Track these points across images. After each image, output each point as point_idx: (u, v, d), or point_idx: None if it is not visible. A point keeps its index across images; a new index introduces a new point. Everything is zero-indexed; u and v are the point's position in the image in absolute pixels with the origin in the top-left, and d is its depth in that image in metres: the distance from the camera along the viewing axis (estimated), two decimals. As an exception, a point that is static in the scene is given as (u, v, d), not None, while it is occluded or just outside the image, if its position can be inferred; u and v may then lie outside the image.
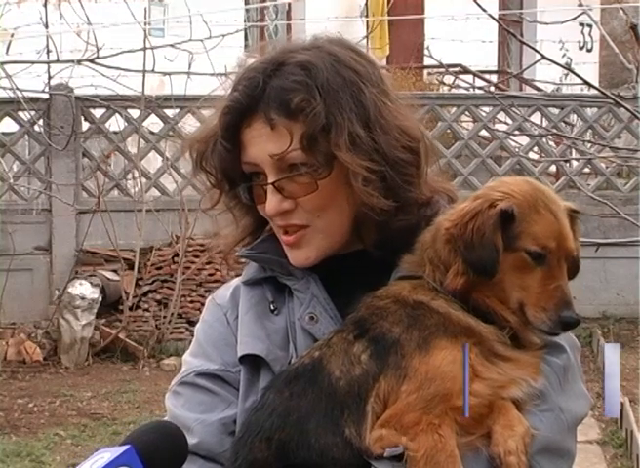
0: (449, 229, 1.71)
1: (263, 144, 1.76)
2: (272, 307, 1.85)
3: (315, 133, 1.73)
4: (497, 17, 9.78)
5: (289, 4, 14.34)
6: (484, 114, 11.17)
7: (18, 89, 9.96)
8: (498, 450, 1.62)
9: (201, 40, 9.37)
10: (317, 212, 1.78)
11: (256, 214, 1.87)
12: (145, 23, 10.56)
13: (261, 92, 1.76)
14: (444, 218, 1.73)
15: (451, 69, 6.42)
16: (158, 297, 10.24)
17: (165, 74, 10.18)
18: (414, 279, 1.74)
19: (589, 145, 8.33)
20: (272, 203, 1.78)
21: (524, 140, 11.06)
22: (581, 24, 16.03)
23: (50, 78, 10.58)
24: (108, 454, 1.57)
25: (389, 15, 13.67)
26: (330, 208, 1.78)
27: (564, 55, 14.57)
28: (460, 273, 1.69)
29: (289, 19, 14.80)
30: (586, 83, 4.44)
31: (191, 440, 1.73)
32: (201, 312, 1.98)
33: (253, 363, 1.81)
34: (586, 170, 11.71)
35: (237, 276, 1.96)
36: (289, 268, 1.84)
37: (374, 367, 1.66)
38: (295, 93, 1.73)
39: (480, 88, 10.18)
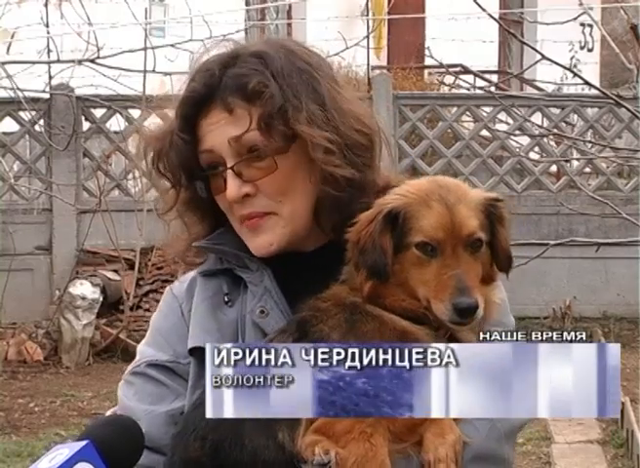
0: (350, 238, 1.74)
1: (222, 129, 1.78)
2: (226, 299, 1.85)
3: (272, 114, 1.75)
4: (497, 16, 9.77)
5: (289, 4, 14.34)
6: (485, 114, 11.17)
7: (18, 89, 9.95)
8: (428, 458, 1.64)
9: (202, 40, 9.29)
10: (279, 196, 1.79)
11: (208, 222, 1.88)
12: (146, 23, 10.56)
13: (218, 80, 1.79)
14: (352, 228, 1.75)
15: (451, 69, 6.42)
16: (159, 297, 10.21)
17: (166, 74, 10.16)
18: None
19: (590, 145, 8.32)
20: (232, 188, 1.78)
21: (525, 140, 11.05)
22: (582, 24, 16.01)
23: (50, 78, 10.58)
24: (67, 450, 1.56)
25: (389, 15, 13.67)
26: (291, 191, 1.79)
27: (572, 56, 14.55)
28: (364, 279, 1.71)
29: (289, 18, 14.80)
30: (587, 83, 4.44)
31: None
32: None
33: (202, 355, 1.76)
34: (587, 170, 11.69)
35: None
36: (245, 261, 1.84)
37: None
38: (251, 77, 1.76)
39: (481, 88, 10.19)
